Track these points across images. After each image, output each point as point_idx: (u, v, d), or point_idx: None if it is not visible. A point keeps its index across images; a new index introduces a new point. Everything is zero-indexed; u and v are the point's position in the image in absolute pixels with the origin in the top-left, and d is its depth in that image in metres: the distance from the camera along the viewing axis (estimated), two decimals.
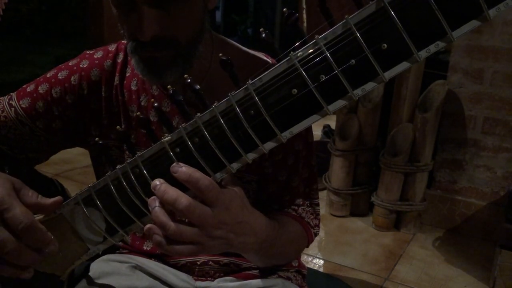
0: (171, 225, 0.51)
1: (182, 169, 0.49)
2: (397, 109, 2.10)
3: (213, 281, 0.83)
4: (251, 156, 0.48)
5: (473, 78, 2.05)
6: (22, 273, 0.55)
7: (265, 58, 0.83)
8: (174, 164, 0.50)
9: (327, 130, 2.83)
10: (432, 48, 0.39)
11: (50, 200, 0.57)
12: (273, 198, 0.84)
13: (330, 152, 2.29)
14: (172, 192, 0.50)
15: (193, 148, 0.49)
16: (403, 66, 0.40)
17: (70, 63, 0.83)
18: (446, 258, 1.96)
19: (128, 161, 0.54)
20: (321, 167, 2.37)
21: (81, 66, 0.82)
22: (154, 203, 0.51)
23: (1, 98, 0.83)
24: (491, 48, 1.99)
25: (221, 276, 0.84)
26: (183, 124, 0.50)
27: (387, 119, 2.17)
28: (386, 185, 2.12)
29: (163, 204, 0.51)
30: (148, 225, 0.53)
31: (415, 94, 2.08)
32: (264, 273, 0.85)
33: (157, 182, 0.51)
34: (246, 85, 0.46)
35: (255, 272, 0.85)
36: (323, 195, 2.35)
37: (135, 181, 0.53)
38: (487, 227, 2.11)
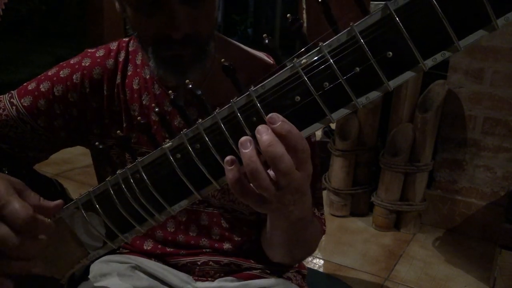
0: (265, 175, 0.46)
1: (282, 123, 0.44)
2: (397, 109, 2.10)
3: (213, 281, 0.83)
4: None
5: (473, 78, 2.05)
6: (31, 265, 0.55)
7: (266, 58, 0.83)
8: (272, 114, 0.45)
9: (327, 130, 2.82)
10: (439, 57, 0.38)
11: (52, 203, 0.57)
12: None
13: (330, 152, 2.29)
14: (280, 148, 0.45)
15: (194, 155, 0.49)
16: (409, 75, 0.40)
17: (72, 61, 0.83)
18: (446, 258, 1.96)
19: (129, 166, 0.53)
20: (321, 167, 2.37)
21: (83, 64, 0.81)
22: (248, 145, 0.46)
23: (1, 96, 0.83)
24: (491, 48, 1.99)
25: (222, 276, 0.84)
26: (184, 130, 0.50)
27: (387, 119, 2.17)
28: (386, 185, 2.12)
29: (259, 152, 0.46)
30: (230, 156, 0.47)
31: (415, 94, 2.08)
32: (265, 273, 0.85)
33: (262, 129, 0.45)
34: (248, 92, 0.45)
35: (255, 272, 0.85)
36: (323, 195, 2.35)
37: (135, 187, 0.53)
38: (487, 227, 2.11)
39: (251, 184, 0.48)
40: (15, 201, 0.52)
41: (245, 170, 0.46)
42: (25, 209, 0.51)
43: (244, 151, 0.46)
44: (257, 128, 0.45)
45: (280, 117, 0.45)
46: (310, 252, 0.84)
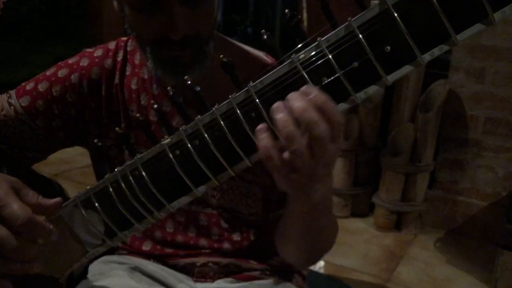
0: (302, 141, 0.44)
1: (318, 94, 0.43)
2: (398, 109, 2.10)
3: (212, 282, 0.83)
4: (252, 159, 0.48)
5: (475, 77, 2.05)
6: (30, 267, 0.55)
7: (265, 57, 0.83)
8: (308, 85, 0.43)
9: None
10: (436, 52, 0.38)
11: (50, 201, 0.57)
12: (283, 198, 0.83)
13: None
14: (315, 113, 0.43)
15: (193, 151, 0.49)
16: (407, 69, 0.40)
17: (70, 61, 0.82)
18: (448, 259, 1.96)
19: (127, 163, 0.53)
20: None
21: (81, 64, 0.81)
22: (282, 109, 0.44)
23: None
24: (493, 47, 1.99)
25: (221, 278, 0.83)
26: (183, 126, 0.50)
27: (388, 119, 2.17)
28: (387, 186, 2.12)
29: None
30: (263, 124, 0.46)
31: (416, 94, 2.07)
32: (264, 274, 0.85)
33: (294, 95, 0.44)
34: (247, 87, 0.45)
35: (255, 273, 0.84)
36: None
37: (134, 184, 0.53)
38: (488, 228, 2.10)
39: (283, 155, 0.47)
40: (14, 203, 0.52)
41: (280, 135, 0.45)
42: (24, 210, 0.52)
43: (278, 116, 0.44)
44: (288, 96, 0.44)
45: (315, 87, 0.43)
46: (329, 245, 0.78)
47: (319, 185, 0.52)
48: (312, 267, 1.85)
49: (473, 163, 2.12)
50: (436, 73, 2.11)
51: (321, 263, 1.89)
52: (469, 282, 1.80)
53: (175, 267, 0.83)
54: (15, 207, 0.51)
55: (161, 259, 0.84)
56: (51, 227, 0.55)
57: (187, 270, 0.83)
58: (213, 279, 0.83)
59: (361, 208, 2.31)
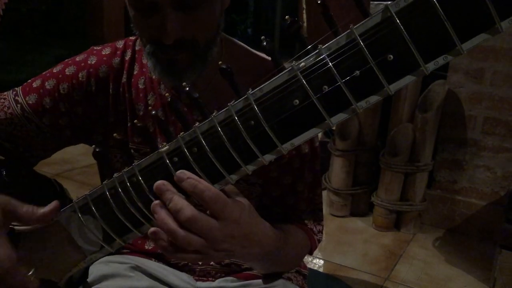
0: (181, 232, 0.49)
1: (187, 180, 0.48)
2: (397, 109, 2.09)
3: (214, 281, 0.83)
4: (250, 167, 0.47)
5: (473, 78, 2.04)
6: None
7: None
8: (179, 172, 0.49)
9: (327, 130, 2.81)
10: (440, 61, 0.37)
11: (47, 210, 0.56)
12: (277, 202, 0.83)
13: (330, 152, 2.28)
14: (177, 201, 0.49)
15: (191, 159, 0.48)
16: (409, 79, 0.39)
17: (77, 59, 0.81)
18: (446, 258, 1.96)
19: (125, 169, 0.53)
20: (321, 167, 2.36)
21: (89, 62, 0.80)
22: (158, 210, 0.50)
23: (5, 93, 0.81)
24: (491, 48, 1.98)
25: (222, 276, 0.83)
26: (181, 134, 0.49)
27: (387, 119, 2.16)
28: (386, 185, 2.12)
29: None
30: (153, 229, 0.51)
31: (415, 94, 2.07)
32: (265, 274, 0.85)
33: (161, 186, 0.50)
34: (246, 95, 0.44)
35: (256, 272, 0.85)
36: (323, 195, 2.34)
37: (132, 190, 0.52)
38: (487, 227, 2.10)
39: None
40: (15, 275, 0.54)
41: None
42: (9, 259, 0.54)
43: (155, 216, 0.50)
44: (155, 187, 0.50)
45: (187, 174, 0.48)
46: (292, 268, 0.87)
47: (247, 249, 0.56)
48: (311, 266, 1.85)
49: (472, 163, 2.12)
50: (435, 73, 2.10)
51: (320, 262, 1.89)
52: (468, 281, 1.80)
53: (176, 266, 0.83)
54: (18, 278, 0.55)
55: (163, 258, 0.84)
56: (30, 275, 0.57)
57: (188, 269, 0.83)
58: (214, 278, 0.83)
59: (361, 208, 2.31)
